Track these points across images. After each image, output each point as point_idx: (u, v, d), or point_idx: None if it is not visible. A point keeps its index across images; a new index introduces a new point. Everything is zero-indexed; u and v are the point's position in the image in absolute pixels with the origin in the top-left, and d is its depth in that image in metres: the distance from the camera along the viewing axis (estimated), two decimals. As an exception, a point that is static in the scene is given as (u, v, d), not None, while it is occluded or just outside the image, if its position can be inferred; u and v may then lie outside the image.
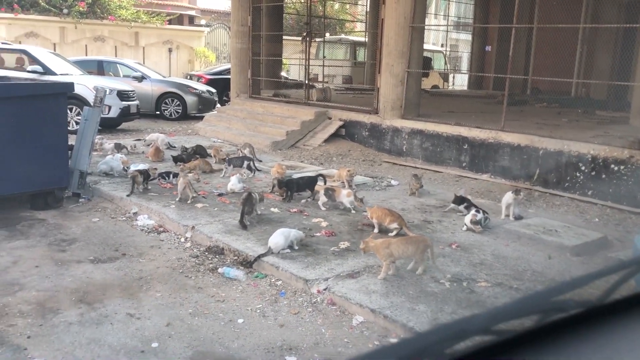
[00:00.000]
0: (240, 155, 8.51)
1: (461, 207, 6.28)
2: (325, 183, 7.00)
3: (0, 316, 3.80)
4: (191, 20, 31.55)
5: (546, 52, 11.93)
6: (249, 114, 12.38)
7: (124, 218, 6.22)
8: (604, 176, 7.17)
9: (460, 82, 24.63)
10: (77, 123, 10.54)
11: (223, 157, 8.58)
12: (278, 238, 4.87)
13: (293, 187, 6.74)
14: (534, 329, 0.95)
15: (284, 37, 16.91)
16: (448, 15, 22.61)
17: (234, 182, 6.98)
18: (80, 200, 6.77)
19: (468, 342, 0.86)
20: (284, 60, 18.44)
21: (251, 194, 5.75)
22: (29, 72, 11.66)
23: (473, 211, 5.81)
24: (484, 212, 5.84)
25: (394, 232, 5.35)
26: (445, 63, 23.76)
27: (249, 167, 7.99)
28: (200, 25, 29.20)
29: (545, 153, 7.83)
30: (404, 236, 5.07)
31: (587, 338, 0.97)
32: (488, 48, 18.32)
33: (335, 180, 7.67)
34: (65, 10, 20.49)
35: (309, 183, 6.82)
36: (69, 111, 11.10)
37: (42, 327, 3.67)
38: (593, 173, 7.27)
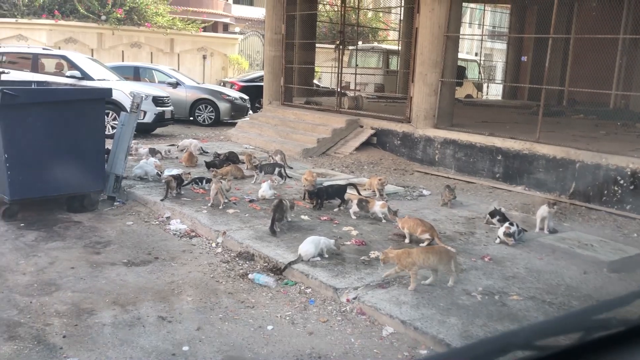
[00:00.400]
0: (272, 162, 8.56)
1: (494, 220, 6.20)
2: (358, 192, 6.97)
3: (38, 315, 3.89)
4: (225, 27, 32.01)
5: (584, 62, 11.73)
6: (281, 121, 12.47)
7: (157, 222, 6.32)
8: (643, 190, 6.99)
9: (494, 91, 24.37)
10: (113, 128, 10.78)
11: (255, 164, 8.64)
12: (308, 246, 4.87)
13: (322, 195, 6.74)
14: (576, 345, 0.93)
15: (317, 45, 17.01)
16: (483, 25, 22.41)
17: (265, 189, 7.03)
18: (115, 203, 6.90)
19: (511, 356, 0.86)
20: (316, 68, 18.54)
21: (282, 201, 5.77)
22: (67, 77, 11.98)
23: (507, 224, 5.72)
24: (517, 225, 5.74)
25: (425, 243, 5.30)
26: (480, 72, 23.54)
27: (280, 174, 8.03)
28: (234, 33, 29.59)
29: (582, 166, 7.68)
30: (424, 246, 5.02)
31: (630, 357, 0.95)
32: (524, 58, 18.09)
33: (366, 189, 7.65)
34: (103, 17, 21.03)
35: (338, 191, 6.81)
36: (105, 116, 11.38)
37: (77, 327, 3.75)
38: (632, 187, 7.09)
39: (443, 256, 4.40)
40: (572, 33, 9.69)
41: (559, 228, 6.23)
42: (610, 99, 14.03)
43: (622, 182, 7.19)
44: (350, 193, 6.82)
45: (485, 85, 23.47)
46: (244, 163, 8.93)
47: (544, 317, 4.03)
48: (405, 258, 4.32)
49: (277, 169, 8.07)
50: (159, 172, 7.96)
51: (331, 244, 5.00)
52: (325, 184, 7.47)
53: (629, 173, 7.14)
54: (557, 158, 7.99)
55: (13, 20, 19.99)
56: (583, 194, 7.58)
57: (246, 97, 16.62)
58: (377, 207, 6.26)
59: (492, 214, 6.28)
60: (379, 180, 7.44)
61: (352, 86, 16.51)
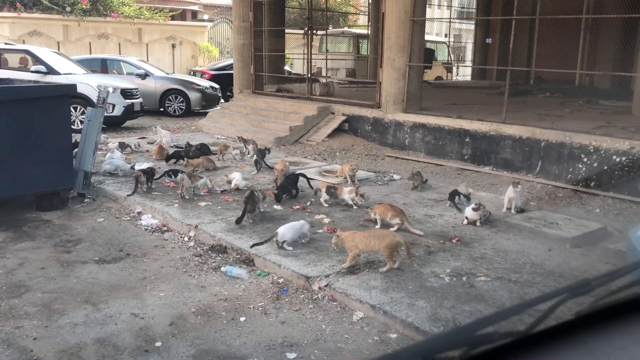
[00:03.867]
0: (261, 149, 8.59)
1: (461, 199, 6.34)
2: (309, 182, 6.95)
3: (7, 318, 3.88)
4: (194, 15, 31.55)
5: (549, 41, 11.89)
6: (252, 109, 12.43)
7: (128, 218, 6.29)
8: (605, 167, 7.17)
9: (464, 72, 24.55)
10: (81, 122, 10.62)
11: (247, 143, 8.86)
12: (286, 230, 4.95)
13: (284, 190, 6.65)
14: None
15: (287, 31, 16.91)
16: (451, 6, 22.47)
17: (238, 179, 7.04)
18: (85, 200, 6.84)
19: None
20: (287, 55, 18.44)
21: (253, 192, 5.79)
22: (32, 72, 11.74)
23: (473, 204, 5.84)
24: (483, 206, 5.86)
25: (395, 228, 5.38)
26: (449, 54, 23.67)
27: (256, 163, 8.08)
28: (203, 20, 29.22)
29: (547, 145, 7.84)
30: (371, 230, 5.07)
31: None
32: (488, 40, 18.24)
33: (338, 175, 7.71)
34: (68, 8, 20.58)
35: (293, 182, 6.77)
36: (73, 110, 11.22)
37: (48, 328, 3.75)
38: (595, 165, 7.28)
39: (385, 240, 4.43)
40: (537, 14, 9.78)
41: (526, 207, 6.38)
42: (575, 77, 14.27)
43: (585, 159, 7.37)
44: (321, 181, 6.85)
45: (455, 67, 23.62)
46: (216, 154, 8.90)
47: (509, 295, 4.15)
48: (349, 241, 4.49)
49: (255, 157, 8.13)
50: (133, 166, 7.88)
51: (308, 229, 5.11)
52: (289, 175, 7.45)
53: (591, 150, 7.33)
54: (523, 138, 8.14)
55: (-27, 14, 19.47)
56: (549, 172, 7.76)
57: (217, 86, 16.50)
58: (345, 193, 6.33)
59: (452, 195, 6.42)
60: (350, 166, 7.50)
61: (323, 72, 16.48)
